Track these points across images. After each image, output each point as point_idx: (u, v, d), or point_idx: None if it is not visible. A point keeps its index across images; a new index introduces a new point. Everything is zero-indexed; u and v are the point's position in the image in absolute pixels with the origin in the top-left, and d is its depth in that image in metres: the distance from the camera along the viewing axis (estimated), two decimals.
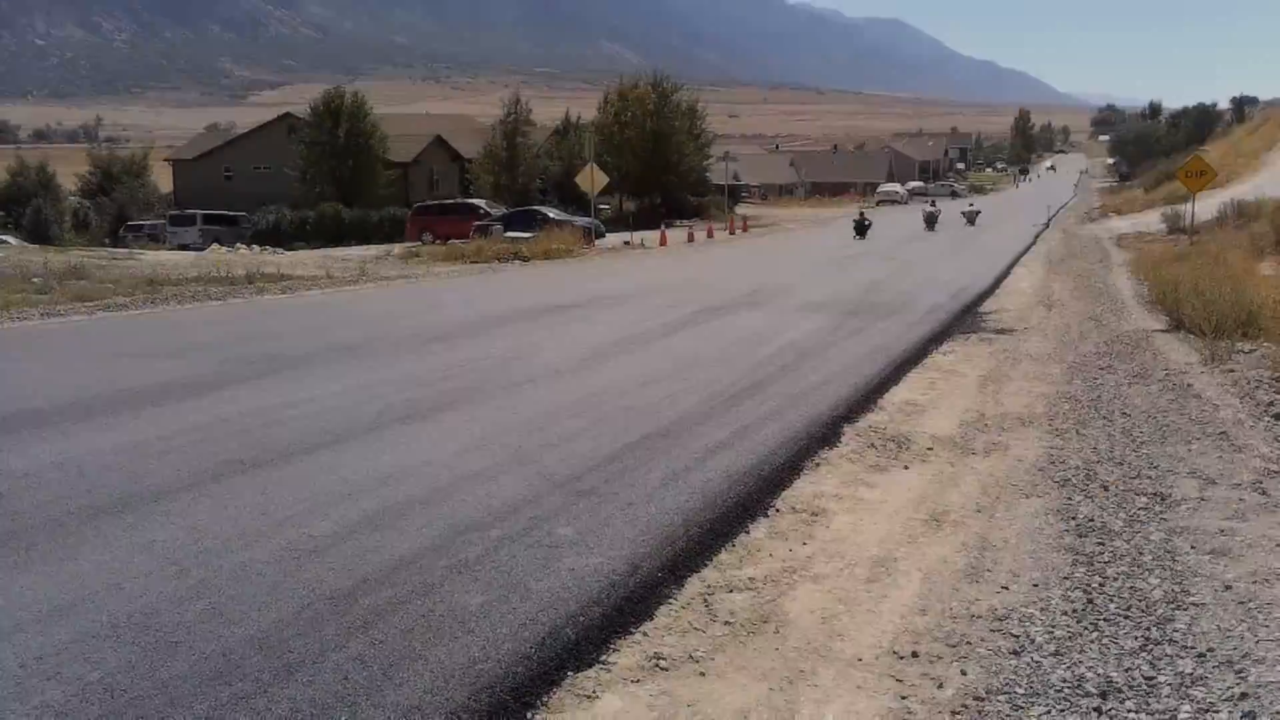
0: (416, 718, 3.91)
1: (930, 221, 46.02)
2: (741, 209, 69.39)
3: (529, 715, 4.06)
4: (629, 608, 5.01)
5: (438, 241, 38.28)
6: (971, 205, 54.66)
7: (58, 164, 61.51)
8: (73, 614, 4.75)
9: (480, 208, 44.36)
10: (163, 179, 65.85)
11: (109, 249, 41.97)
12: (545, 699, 4.18)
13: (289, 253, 37.68)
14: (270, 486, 6.78)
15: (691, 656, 4.59)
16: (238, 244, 43.01)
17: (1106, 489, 6.98)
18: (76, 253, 33.51)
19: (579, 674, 4.39)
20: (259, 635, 4.54)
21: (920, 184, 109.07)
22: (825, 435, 8.46)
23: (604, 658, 4.54)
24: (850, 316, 15.78)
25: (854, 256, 30.45)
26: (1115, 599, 5.14)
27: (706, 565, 5.66)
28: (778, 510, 6.65)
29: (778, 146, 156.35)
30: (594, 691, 4.27)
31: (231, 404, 9.42)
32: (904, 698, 4.24)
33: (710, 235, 43.94)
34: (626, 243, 38.43)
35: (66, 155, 72.27)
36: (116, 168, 63.68)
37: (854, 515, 6.61)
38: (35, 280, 19.58)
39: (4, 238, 44.82)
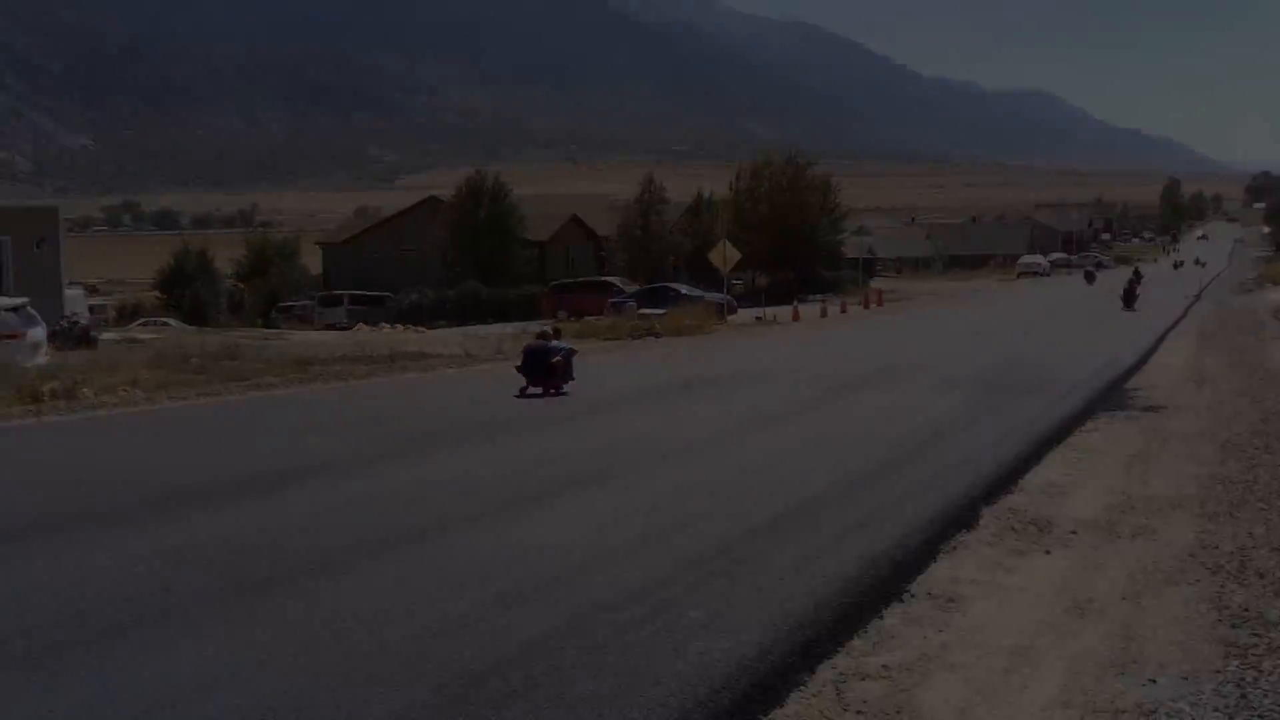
0: None
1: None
2: (877, 282, 68.75)
3: None
4: (758, 694, 4.97)
5: (573, 319, 38.93)
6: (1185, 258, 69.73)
7: (216, 249, 64.88)
8: (219, 692, 4.94)
9: (615, 285, 45.08)
10: (314, 261, 68.83)
11: (262, 329, 43.95)
12: None
13: (431, 330, 38.83)
14: (407, 564, 6.96)
15: None
16: (382, 323, 44.52)
17: (1262, 576, 6.66)
18: (231, 334, 35.16)
19: None
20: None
21: (1063, 255, 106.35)
22: (962, 517, 8.26)
23: None
24: (988, 394, 15.44)
25: (989, 332, 29.84)
26: (1271, 694, 4.89)
27: (839, 651, 5.58)
28: (913, 595, 6.52)
29: (914, 219, 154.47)
30: None
31: (377, 480, 9.75)
32: None
33: (844, 310, 43.64)
34: (759, 318, 38.46)
35: (225, 240, 76.28)
36: (270, 252, 66.82)
37: (992, 601, 6.44)
38: (192, 360, 20.57)
39: (166, 320, 47.40)
